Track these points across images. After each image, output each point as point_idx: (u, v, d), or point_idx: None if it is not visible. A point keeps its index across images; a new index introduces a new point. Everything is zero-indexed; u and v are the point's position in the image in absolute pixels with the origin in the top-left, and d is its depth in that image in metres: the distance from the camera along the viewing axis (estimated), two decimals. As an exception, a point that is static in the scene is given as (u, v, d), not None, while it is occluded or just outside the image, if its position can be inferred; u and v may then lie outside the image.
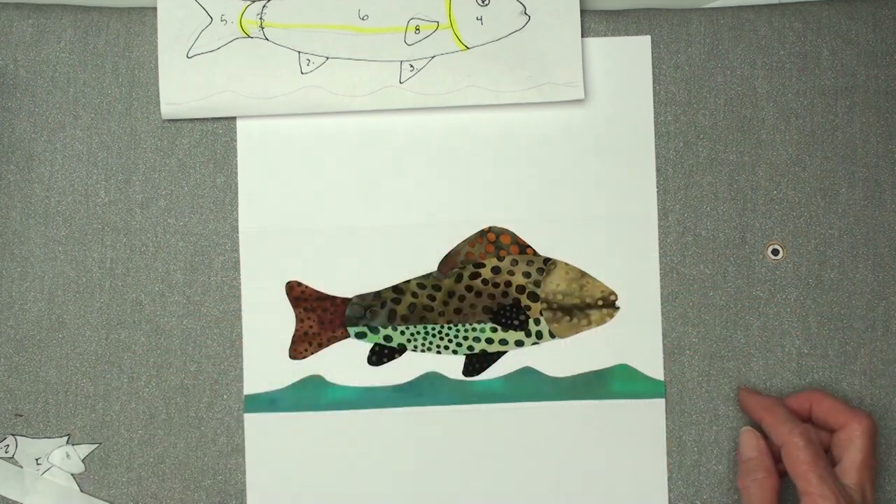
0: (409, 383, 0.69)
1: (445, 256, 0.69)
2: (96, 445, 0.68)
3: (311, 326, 0.69)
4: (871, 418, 0.64)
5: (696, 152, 0.70)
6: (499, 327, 0.69)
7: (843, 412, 0.64)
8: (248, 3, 0.68)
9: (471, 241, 0.69)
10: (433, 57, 0.68)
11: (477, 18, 0.68)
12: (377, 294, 0.69)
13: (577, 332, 0.69)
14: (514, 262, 0.69)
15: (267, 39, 0.68)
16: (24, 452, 0.68)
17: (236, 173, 0.69)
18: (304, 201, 0.69)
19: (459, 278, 0.69)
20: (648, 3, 0.71)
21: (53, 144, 0.69)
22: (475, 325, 0.69)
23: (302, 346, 0.69)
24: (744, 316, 0.70)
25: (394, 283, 0.69)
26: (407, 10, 0.68)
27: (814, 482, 0.62)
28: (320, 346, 0.69)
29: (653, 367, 0.69)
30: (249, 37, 0.68)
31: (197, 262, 0.69)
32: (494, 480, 0.69)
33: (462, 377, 0.69)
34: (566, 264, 0.69)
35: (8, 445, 0.68)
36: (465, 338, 0.69)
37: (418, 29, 0.68)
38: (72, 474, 0.68)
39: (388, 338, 0.69)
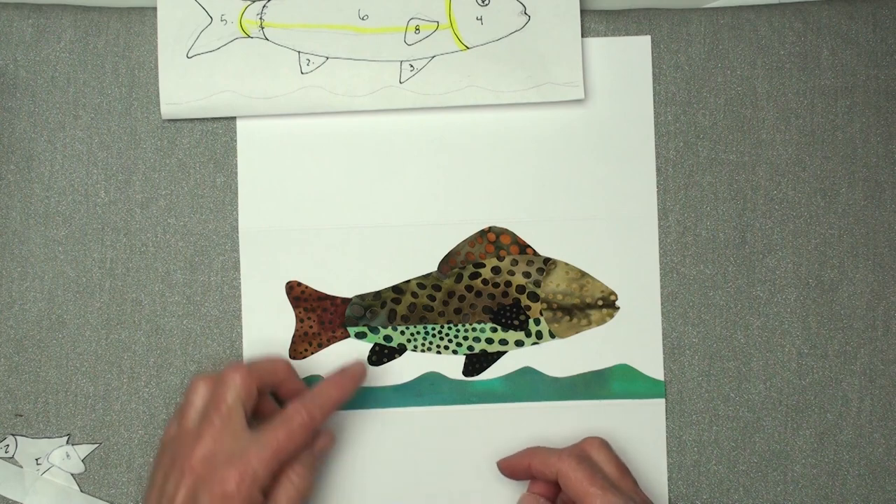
0: (409, 383, 0.69)
1: (445, 256, 0.69)
2: (96, 445, 0.68)
3: (311, 326, 0.69)
4: (582, 444, 0.64)
5: (696, 152, 0.70)
6: (499, 327, 0.69)
7: (553, 455, 0.63)
8: (248, 3, 0.68)
9: (471, 241, 0.69)
10: (433, 57, 0.68)
11: (477, 18, 0.68)
12: (377, 294, 0.69)
13: (577, 332, 0.69)
14: (514, 262, 0.69)
15: (267, 39, 0.68)
16: (24, 452, 0.68)
17: (236, 173, 0.69)
18: (304, 201, 0.69)
19: (459, 278, 0.69)
20: (648, 3, 0.71)
21: (53, 144, 0.69)
22: (475, 325, 0.69)
23: (302, 346, 0.69)
24: (744, 316, 0.70)
25: (394, 283, 0.69)
26: (407, 10, 0.68)
27: (597, 494, 0.61)
28: (320, 346, 0.69)
29: (653, 367, 0.69)
30: (249, 37, 0.68)
31: (197, 262, 0.69)
32: (494, 480, 0.69)
33: (462, 377, 0.69)
34: (566, 264, 0.69)
35: (8, 445, 0.68)
36: (465, 338, 0.69)
37: (418, 29, 0.68)
38: (72, 474, 0.68)
39: (388, 338, 0.69)
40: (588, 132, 0.70)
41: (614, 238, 0.69)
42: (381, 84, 0.68)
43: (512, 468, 0.66)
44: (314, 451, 0.64)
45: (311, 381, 0.69)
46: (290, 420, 0.62)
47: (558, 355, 0.69)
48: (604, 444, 0.64)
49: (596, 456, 0.63)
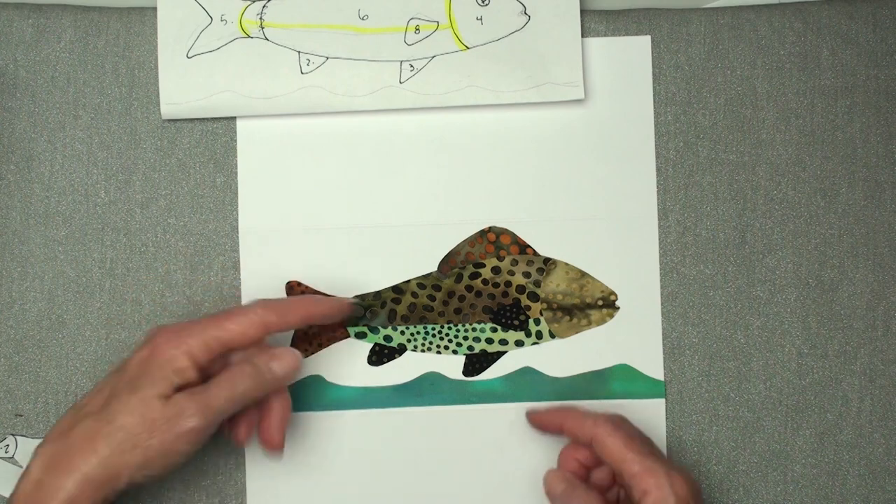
0: (409, 383, 0.69)
1: (445, 256, 0.69)
2: (96, 445, 0.68)
3: (311, 326, 0.69)
4: (603, 421, 0.62)
5: (696, 152, 0.70)
6: (499, 327, 0.69)
7: (588, 419, 0.63)
8: (248, 3, 0.68)
9: (471, 241, 0.69)
10: (433, 57, 0.68)
11: (477, 18, 0.68)
12: (377, 294, 0.69)
13: (577, 332, 0.69)
14: (514, 262, 0.69)
15: (267, 39, 0.68)
16: (24, 452, 0.68)
17: (236, 173, 0.69)
18: (304, 201, 0.69)
19: (459, 278, 0.69)
20: (648, 3, 0.71)
21: (53, 144, 0.69)
22: (475, 325, 0.69)
23: (302, 346, 0.69)
24: (744, 316, 0.70)
25: (394, 283, 0.69)
26: (407, 10, 0.68)
27: (636, 460, 0.60)
28: (320, 346, 0.69)
29: (653, 367, 0.69)
30: (249, 37, 0.68)
31: (197, 262, 0.69)
32: (494, 480, 0.69)
33: (462, 377, 0.69)
34: (566, 264, 0.69)
35: (8, 445, 0.68)
36: (465, 338, 0.69)
37: (418, 29, 0.68)
38: (72, 474, 0.68)
39: (388, 338, 0.69)
40: (588, 132, 0.70)
41: (614, 238, 0.69)
42: (381, 84, 0.68)
43: (543, 423, 0.66)
44: (269, 362, 0.61)
45: (312, 381, 0.69)
46: (245, 312, 0.61)
47: (558, 355, 0.69)
48: (627, 420, 0.64)
49: (628, 425, 0.63)
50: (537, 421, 0.66)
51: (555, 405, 0.67)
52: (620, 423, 0.63)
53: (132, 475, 0.57)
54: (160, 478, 0.59)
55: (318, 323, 0.66)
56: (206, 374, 0.60)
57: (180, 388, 0.59)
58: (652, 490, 0.59)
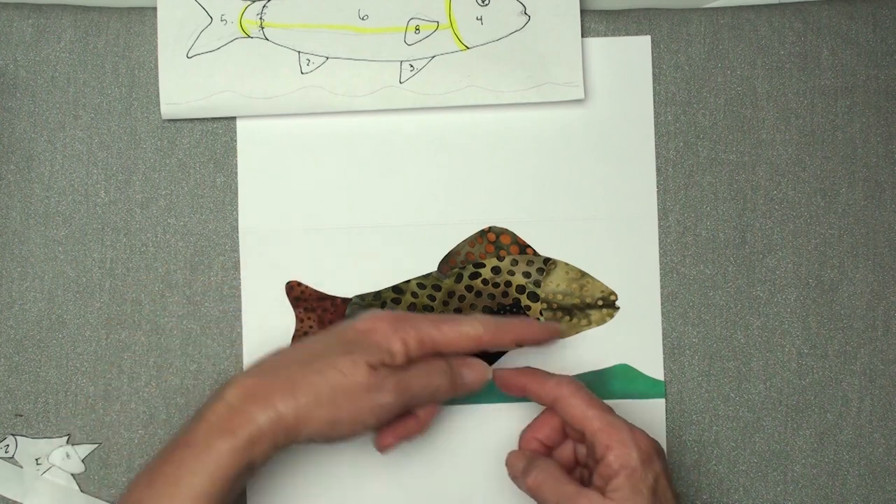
0: (409, 383, 0.69)
1: (445, 256, 0.69)
2: (96, 445, 0.68)
3: (311, 326, 0.69)
4: (566, 382, 0.63)
5: (696, 152, 0.70)
6: (499, 327, 0.69)
7: (550, 380, 0.63)
8: (248, 3, 0.68)
9: (471, 241, 0.69)
10: (433, 57, 0.68)
11: (477, 18, 0.68)
12: (377, 294, 0.69)
13: (577, 332, 0.69)
14: (514, 262, 0.69)
15: (267, 39, 0.68)
16: (24, 452, 0.68)
17: (236, 173, 0.69)
18: (304, 201, 0.69)
19: (459, 278, 0.69)
20: (648, 3, 0.71)
21: (53, 144, 0.69)
22: (475, 325, 0.69)
23: (302, 346, 0.69)
24: (744, 316, 0.70)
25: (394, 283, 0.69)
26: (407, 10, 0.68)
27: (597, 416, 0.61)
28: (320, 346, 0.69)
29: (653, 367, 0.69)
30: (249, 37, 0.68)
31: (197, 262, 0.69)
32: (494, 480, 0.69)
33: (462, 377, 0.69)
34: (566, 264, 0.69)
35: (8, 445, 0.68)
36: (465, 338, 0.69)
37: (418, 29, 0.68)
38: (72, 474, 0.68)
39: (388, 338, 0.69)
40: (588, 132, 0.70)
41: (614, 238, 0.69)
42: (381, 84, 0.68)
43: (506, 383, 0.65)
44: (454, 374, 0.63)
45: (311, 381, 0.69)
46: (464, 323, 0.62)
47: (558, 355, 0.69)
48: (570, 393, 0.63)
49: (589, 390, 0.63)
50: (502, 380, 0.66)
51: (519, 368, 0.66)
52: (582, 385, 0.63)
53: (317, 430, 0.59)
54: (334, 441, 0.60)
55: (529, 345, 0.66)
56: (409, 364, 0.61)
57: (385, 367, 0.60)
58: (614, 445, 0.60)
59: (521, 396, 0.65)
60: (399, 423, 0.63)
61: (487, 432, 0.69)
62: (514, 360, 0.69)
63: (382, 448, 0.64)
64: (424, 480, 0.69)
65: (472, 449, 0.69)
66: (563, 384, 0.62)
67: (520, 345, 0.65)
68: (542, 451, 0.65)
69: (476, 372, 0.64)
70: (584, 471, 0.64)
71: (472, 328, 0.62)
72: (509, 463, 0.64)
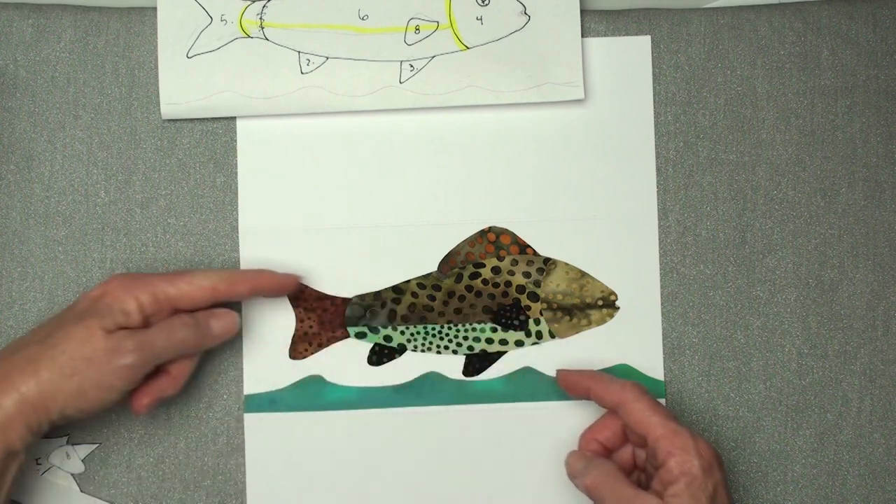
0: (409, 383, 0.69)
1: (445, 256, 0.69)
2: (96, 445, 0.68)
3: (311, 326, 0.69)
4: (630, 387, 0.63)
5: (696, 152, 0.70)
6: (499, 327, 0.69)
7: (615, 384, 0.63)
8: (248, 3, 0.68)
9: (471, 241, 0.69)
10: (433, 57, 0.68)
11: (477, 18, 0.68)
12: (377, 294, 0.69)
13: (577, 332, 0.69)
14: (514, 262, 0.69)
15: (267, 39, 0.68)
16: (23, 452, 0.68)
17: (236, 173, 0.69)
18: (304, 201, 0.69)
19: (459, 278, 0.69)
20: (648, 3, 0.71)
21: (53, 144, 0.69)
22: (475, 325, 0.69)
23: (302, 346, 0.69)
24: (744, 316, 0.70)
25: (394, 283, 0.69)
26: (407, 10, 0.68)
27: (660, 423, 0.61)
28: (320, 346, 0.69)
29: (653, 367, 0.69)
30: (249, 37, 0.68)
31: (197, 262, 0.69)
32: (494, 480, 0.69)
33: (462, 377, 0.69)
34: (566, 264, 0.69)
35: (8, 445, 0.68)
36: (465, 338, 0.69)
37: (418, 29, 0.68)
38: (72, 474, 0.68)
39: (388, 338, 0.69)
40: (588, 132, 0.70)
41: (614, 238, 0.69)
42: (381, 84, 0.68)
43: (570, 384, 0.66)
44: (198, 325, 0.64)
45: (312, 381, 0.69)
46: (198, 275, 0.63)
47: (558, 355, 0.69)
48: (634, 398, 0.63)
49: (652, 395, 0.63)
50: (566, 381, 0.67)
51: (584, 370, 0.67)
52: (647, 391, 0.63)
53: (66, 403, 0.59)
54: (89, 413, 0.60)
55: (266, 296, 0.67)
56: (148, 323, 0.62)
57: (121, 327, 0.61)
58: (677, 452, 0.60)
59: (584, 398, 0.65)
60: (152, 382, 0.63)
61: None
62: (514, 361, 0.69)
63: (139, 409, 0.63)
64: (425, 480, 0.69)
65: (471, 449, 0.69)
66: (628, 388, 0.63)
67: (257, 294, 0.66)
68: (602, 452, 0.65)
69: (223, 321, 0.65)
70: (641, 475, 0.64)
71: (206, 279, 0.63)
72: (569, 462, 0.65)
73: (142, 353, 0.60)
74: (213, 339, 0.64)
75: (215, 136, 0.69)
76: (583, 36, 0.69)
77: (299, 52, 0.68)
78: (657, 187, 0.70)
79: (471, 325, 0.69)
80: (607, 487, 0.61)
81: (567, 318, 0.69)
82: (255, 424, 0.68)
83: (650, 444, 0.61)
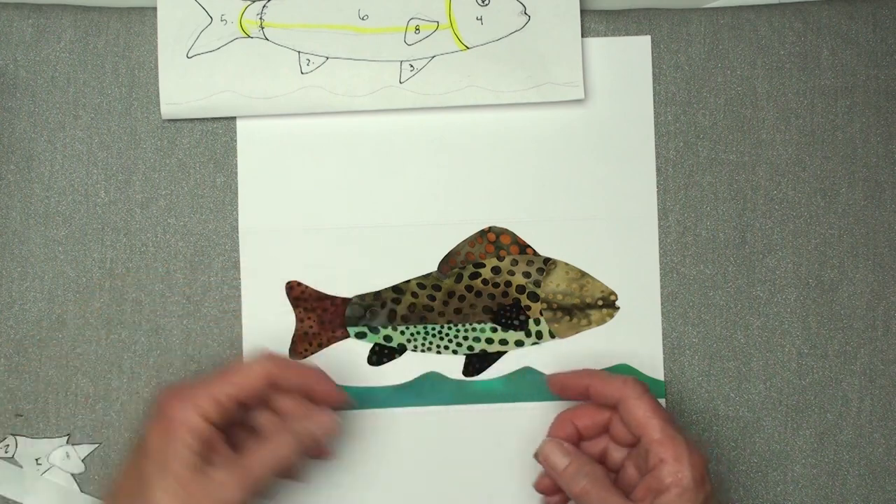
0: (409, 383, 0.69)
1: (445, 256, 0.69)
2: (96, 445, 0.68)
3: (311, 326, 0.69)
4: (632, 383, 0.62)
5: (696, 152, 0.70)
6: (499, 327, 0.69)
7: (615, 380, 0.62)
8: (248, 3, 0.68)
9: (471, 241, 0.69)
10: (433, 57, 0.68)
11: (477, 18, 0.68)
12: (377, 294, 0.69)
13: (577, 332, 0.69)
14: (514, 262, 0.69)
15: (267, 39, 0.68)
16: (24, 452, 0.68)
17: (236, 173, 0.69)
18: (304, 201, 0.69)
19: (459, 278, 0.69)
20: (648, 3, 0.71)
21: (53, 144, 0.69)
22: (475, 325, 0.69)
23: (302, 346, 0.69)
24: (744, 316, 0.70)
25: (394, 283, 0.69)
26: (407, 10, 0.68)
27: (659, 427, 0.60)
28: (320, 346, 0.69)
29: (653, 367, 0.69)
30: (249, 37, 0.68)
31: (197, 262, 0.69)
32: (494, 480, 0.69)
33: (462, 377, 0.69)
34: (566, 264, 0.69)
35: (8, 445, 0.68)
36: (465, 338, 0.69)
37: (418, 29, 0.68)
38: (72, 474, 0.68)
39: (388, 338, 0.69)
40: (588, 132, 0.70)
41: (614, 238, 0.69)
42: (381, 84, 0.68)
43: (564, 387, 0.65)
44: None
45: (311, 381, 0.69)
46: (250, 365, 0.60)
47: (558, 355, 0.69)
48: (636, 396, 0.62)
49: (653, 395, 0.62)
50: (559, 384, 0.65)
51: (576, 370, 0.66)
52: (647, 388, 0.62)
53: None
54: None
55: (310, 396, 0.64)
56: (224, 427, 0.59)
57: (205, 451, 0.58)
58: (670, 460, 0.59)
59: (578, 399, 0.65)
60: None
61: (487, 432, 0.69)
62: (514, 361, 0.69)
63: None
64: (425, 480, 0.69)
65: (471, 449, 0.69)
66: (629, 385, 0.62)
67: (304, 393, 0.62)
68: (574, 438, 0.64)
69: (323, 424, 0.62)
70: (612, 474, 0.64)
71: (259, 367, 0.60)
72: (548, 454, 0.63)
73: (244, 486, 0.57)
74: (314, 443, 0.62)
75: (215, 136, 0.69)
76: (583, 36, 0.69)
77: (299, 52, 0.68)
78: (657, 187, 0.70)
79: (471, 325, 0.69)
80: (597, 497, 0.60)
81: (567, 318, 0.69)
82: (255, 424, 0.68)
83: (643, 445, 0.61)
